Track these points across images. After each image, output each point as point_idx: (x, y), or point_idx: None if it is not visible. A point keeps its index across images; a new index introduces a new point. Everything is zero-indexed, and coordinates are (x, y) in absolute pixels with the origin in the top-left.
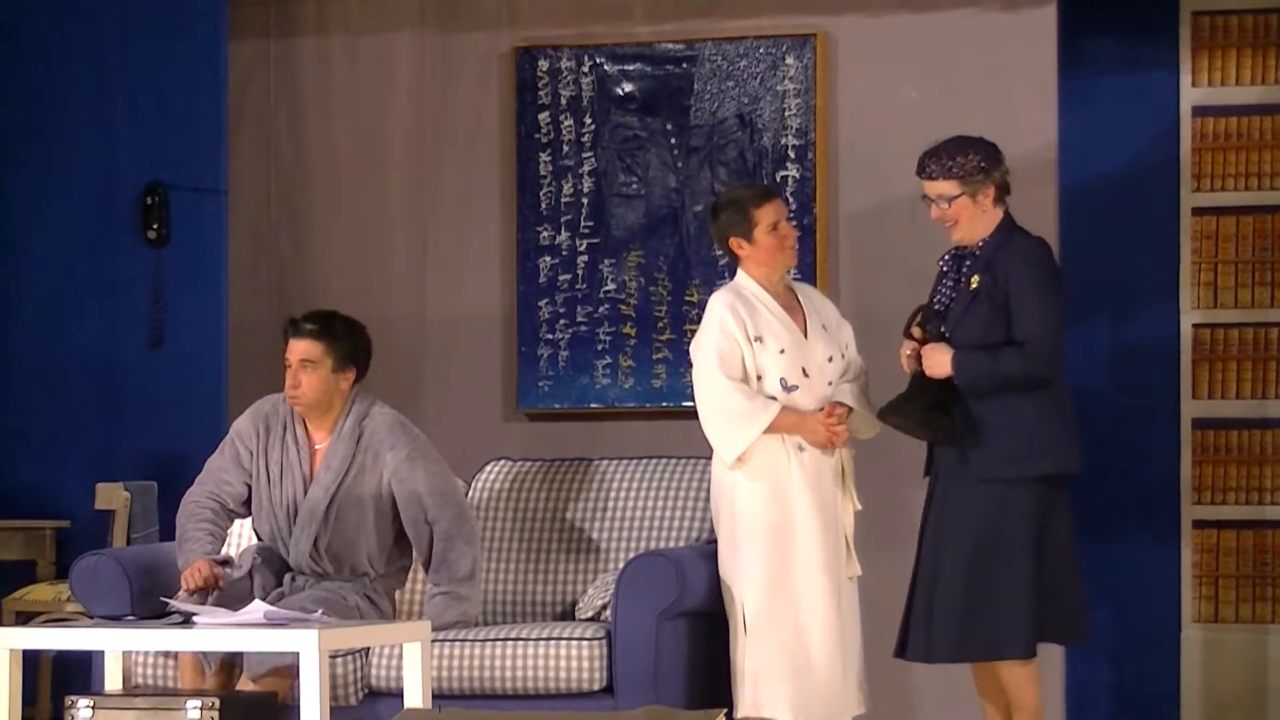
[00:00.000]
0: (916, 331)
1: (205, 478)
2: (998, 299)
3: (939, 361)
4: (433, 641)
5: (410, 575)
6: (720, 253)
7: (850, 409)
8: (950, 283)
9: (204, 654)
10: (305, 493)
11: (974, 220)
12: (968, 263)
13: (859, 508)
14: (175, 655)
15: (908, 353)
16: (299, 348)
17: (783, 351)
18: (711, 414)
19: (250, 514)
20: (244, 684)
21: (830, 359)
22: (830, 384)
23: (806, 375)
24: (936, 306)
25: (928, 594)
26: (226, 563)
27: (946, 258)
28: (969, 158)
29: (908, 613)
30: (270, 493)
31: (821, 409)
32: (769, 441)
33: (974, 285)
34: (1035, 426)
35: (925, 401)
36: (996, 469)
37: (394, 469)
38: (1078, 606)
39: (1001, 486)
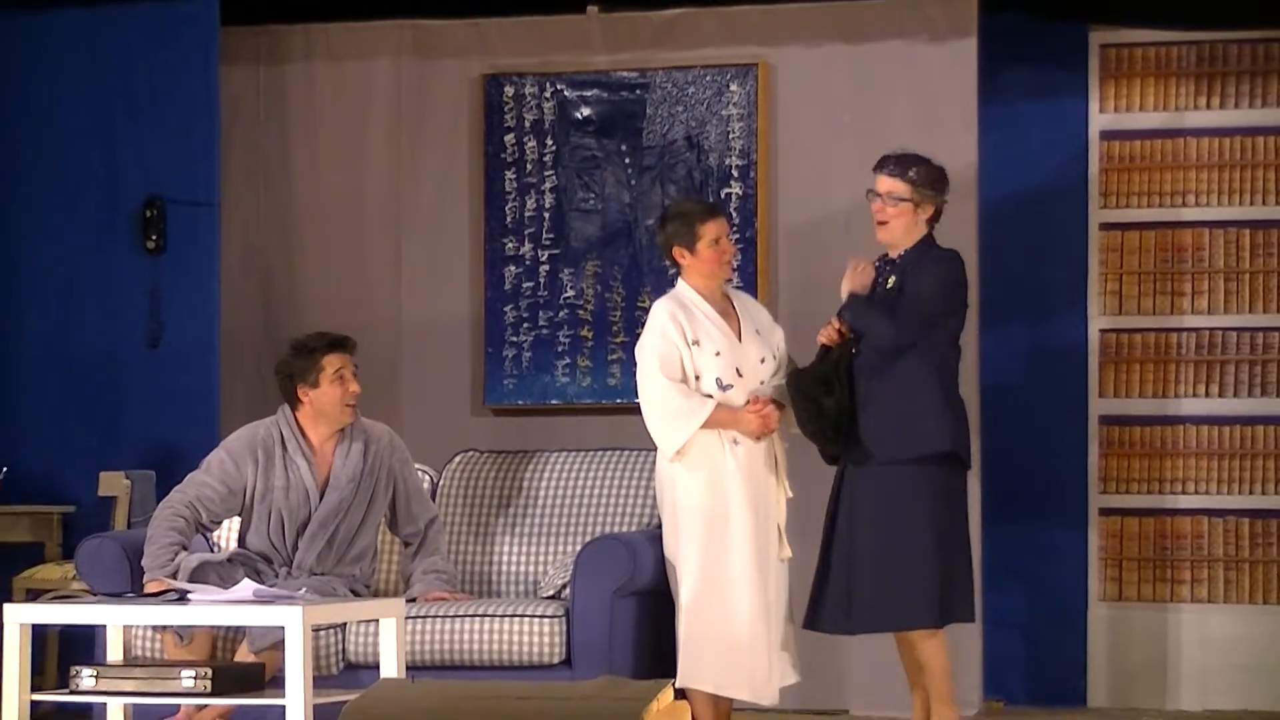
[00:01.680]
0: (837, 322)
1: (187, 488)
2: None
3: (864, 278)
4: (406, 618)
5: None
6: (669, 263)
7: (776, 401)
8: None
9: (176, 628)
10: (321, 498)
11: (906, 228)
12: (888, 268)
13: (790, 495)
14: (161, 628)
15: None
16: (348, 360)
17: (718, 354)
18: (653, 412)
19: (215, 528)
20: (243, 654)
21: (762, 360)
22: (762, 382)
23: (740, 375)
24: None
25: (844, 571)
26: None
27: (878, 264)
28: (927, 174)
29: (819, 588)
30: (277, 505)
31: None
32: (706, 436)
33: (890, 285)
34: (927, 413)
35: (812, 378)
36: (896, 452)
37: (399, 470)
38: (968, 587)
39: (903, 468)
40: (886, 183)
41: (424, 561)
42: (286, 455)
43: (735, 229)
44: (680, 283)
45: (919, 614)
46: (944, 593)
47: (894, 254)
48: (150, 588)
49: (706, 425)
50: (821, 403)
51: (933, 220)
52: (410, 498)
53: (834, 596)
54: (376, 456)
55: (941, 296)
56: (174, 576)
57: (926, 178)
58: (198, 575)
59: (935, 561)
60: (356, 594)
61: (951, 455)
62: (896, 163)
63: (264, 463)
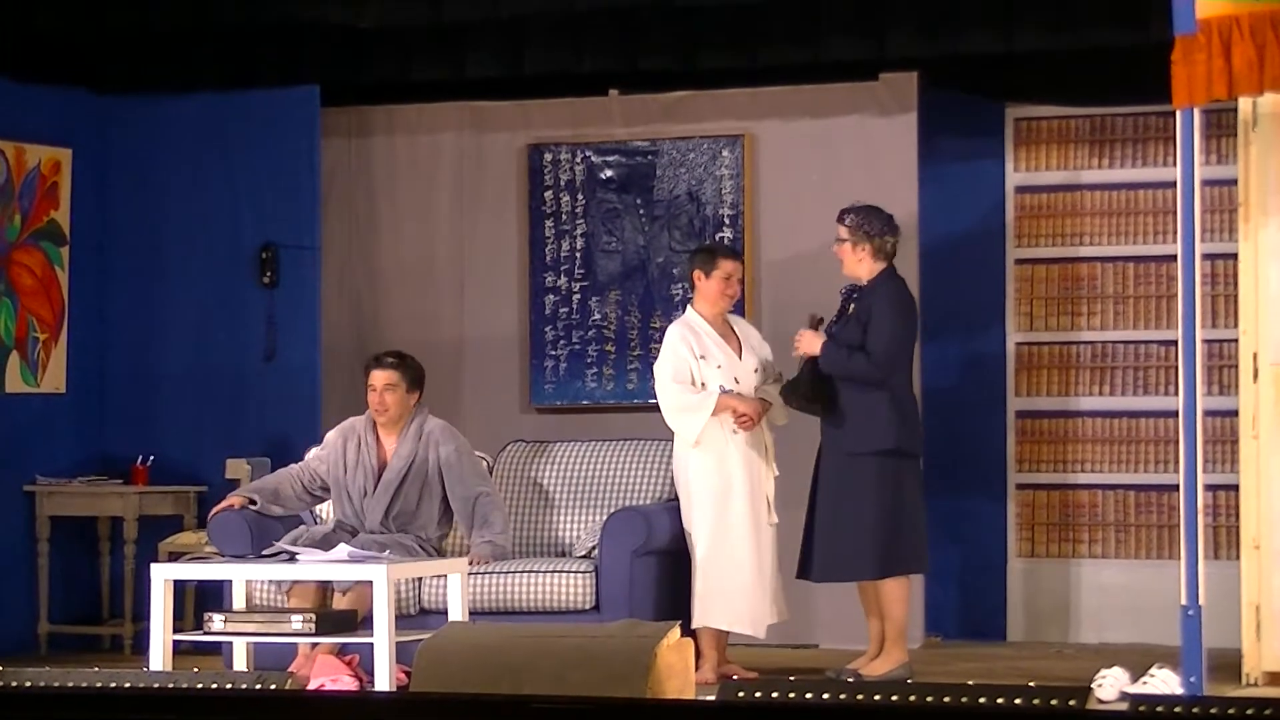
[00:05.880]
0: (811, 321)
1: (303, 463)
2: (864, 320)
3: (812, 344)
4: (469, 574)
5: (450, 535)
6: (675, 292)
7: (769, 404)
8: (843, 305)
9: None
10: (377, 478)
11: (852, 264)
12: (855, 294)
13: (777, 474)
14: (291, 583)
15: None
16: (383, 376)
17: (719, 366)
18: (671, 411)
19: (319, 500)
20: (336, 600)
21: (755, 370)
22: (755, 388)
23: (737, 382)
24: (833, 323)
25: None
26: (253, 502)
27: (844, 290)
28: (859, 219)
29: (805, 546)
30: (346, 479)
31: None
32: (713, 428)
33: (852, 310)
34: (876, 416)
35: (805, 382)
36: (850, 446)
37: (446, 459)
38: (916, 545)
39: (856, 458)
40: (838, 228)
41: (481, 533)
42: (361, 442)
43: None
44: (690, 309)
45: (859, 569)
46: (888, 552)
47: (862, 284)
48: (223, 504)
49: (713, 412)
50: (803, 392)
51: (882, 256)
52: (457, 475)
53: (818, 552)
54: (428, 441)
55: (899, 322)
56: (253, 502)
57: (855, 222)
58: (307, 542)
59: (876, 527)
60: (425, 551)
61: (895, 449)
62: (843, 212)
63: (344, 446)
